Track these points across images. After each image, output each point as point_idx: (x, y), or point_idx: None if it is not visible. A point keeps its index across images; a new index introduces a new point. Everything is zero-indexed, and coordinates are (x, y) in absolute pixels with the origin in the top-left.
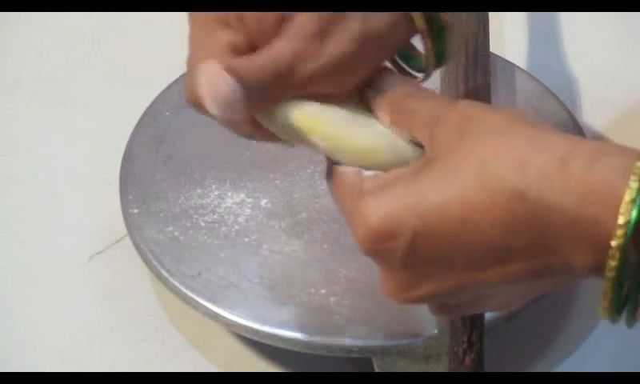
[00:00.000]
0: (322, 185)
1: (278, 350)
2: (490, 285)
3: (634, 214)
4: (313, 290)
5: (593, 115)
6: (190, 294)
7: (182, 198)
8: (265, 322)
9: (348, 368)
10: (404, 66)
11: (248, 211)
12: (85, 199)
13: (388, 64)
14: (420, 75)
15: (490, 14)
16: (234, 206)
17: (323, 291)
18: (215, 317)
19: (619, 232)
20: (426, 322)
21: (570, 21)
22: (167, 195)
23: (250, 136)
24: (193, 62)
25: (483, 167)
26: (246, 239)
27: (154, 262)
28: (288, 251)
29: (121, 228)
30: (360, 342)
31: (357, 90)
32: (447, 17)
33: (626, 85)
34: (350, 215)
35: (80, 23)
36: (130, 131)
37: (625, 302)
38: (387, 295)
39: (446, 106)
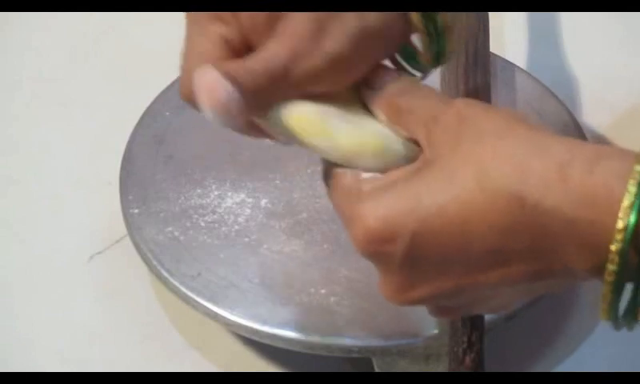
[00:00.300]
0: (322, 185)
1: (277, 349)
2: (488, 287)
3: (633, 218)
4: (313, 290)
5: (593, 115)
6: (190, 293)
7: (182, 197)
8: (265, 322)
9: (348, 368)
10: (405, 64)
11: (248, 211)
12: (85, 199)
13: (387, 62)
14: (419, 74)
15: (490, 13)
16: (233, 206)
17: (323, 291)
18: (215, 317)
19: (618, 236)
20: (426, 322)
21: (569, 21)
22: (167, 195)
23: (246, 134)
24: (186, 57)
25: (482, 171)
26: (246, 239)
27: (154, 262)
28: (288, 251)
29: (121, 228)
30: (360, 342)
31: (354, 87)
32: (447, 17)
33: (626, 85)
34: (347, 217)
35: (80, 23)
36: (130, 131)
37: (626, 305)
38: (385, 297)
39: (443, 105)
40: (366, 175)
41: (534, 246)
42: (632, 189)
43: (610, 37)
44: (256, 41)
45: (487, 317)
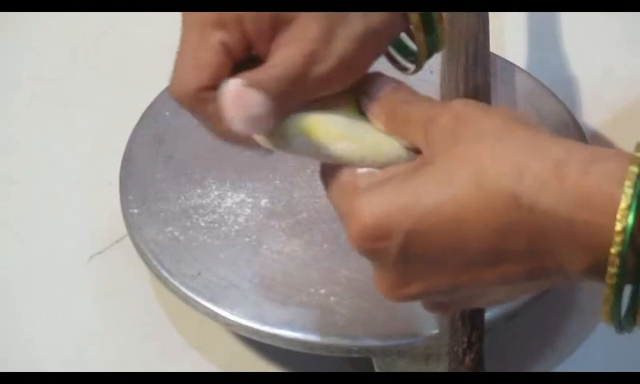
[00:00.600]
0: (322, 185)
1: (278, 349)
2: (483, 285)
3: (631, 220)
4: (313, 290)
5: (592, 115)
6: (190, 294)
7: (182, 197)
8: (265, 322)
9: (348, 368)
10: (397, 56)
11: (248, 211)
12: (85, 199)
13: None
14: (412, 67)
15: (490, 13)
16: (233, 206)
17: (323, 291)
18: (215, 317)
19: (617, 239)
20: (426, 322)
21: (569, 21)
22: (167, 195)
23: (234, 141)
24: (183, 61)
25: (479, 170)
26: (246, 239)
27: (154, 262)
28: (288, 251)
29: (121, 228)
30: (360, 342)
31: (352, 96)
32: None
33: (625, 84)
34: (343, 213)
35: (80, 23)
36: (130, 131)
37: (626, 307)
38: (380, 292)
39: (439, 107)
40: (362, 170)
41: (530, 245)
42: (629, 190)
43: (609, 37)
44: (259, 47)
45: (487, 317)
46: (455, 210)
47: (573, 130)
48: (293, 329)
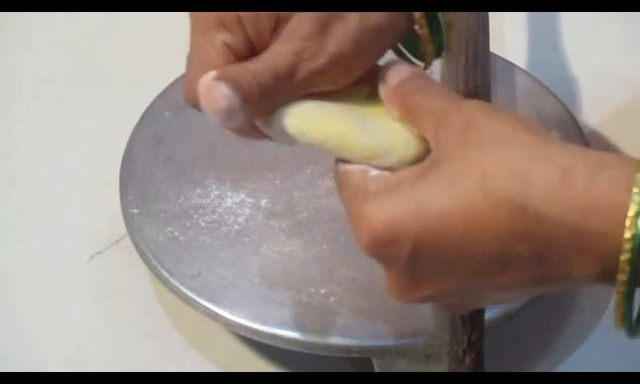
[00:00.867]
0: (322, 185)
1: (277, 349)
2: (491, 290)
3: None
4: (313, 290)
5: (592, 114)
6: (190, 294)
7: (182, 197)
8: (265, 322)
9: (348, 368)
10: (407, 54)
11: (248, 211)
12: (85, 199)
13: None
14: (421, 64)
15: (490, 13)
16: (233, 206)
17: (323, 291)
18: (215, 317)
19: (627, 246)
20: (426, 322)
21: (569, 21)
22: (167, 195)
23: (248, 136)
24: (190, 64)
25: (485, 178)
26: (246, 239)
27: (154, 262)
28: (288, 251)
29: (121, 228)
30: (360, 342)
31: (362, 82)
32: (448, 14)
33: (626, 84)
34: (353, 216)
35: (80, 23)
36: (130, 131)
37: (638, 312)
38: (391, 296)
39: (453, 107)
40: (373, 173)
41: (537, 253)
42: (637, 197)
43: (609, 37)
44: (260, 46)
45: (487, 317)
46: (462, 217)
47: (572, 129)
48: (293, 329)
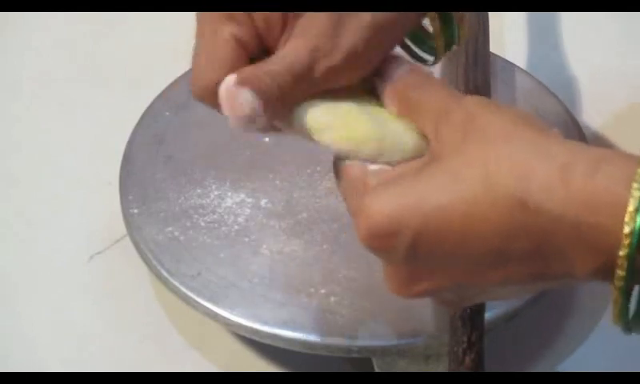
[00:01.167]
0: (322, 185)
1: (277, 349)
2: (490, 285)
3: (639, 222)
4: (313, 290)
5: (592, 115)
6: (190, 294)
7: (182, 198)
8: (265, 322)
9: (348, 368)
10: (415, 49)
11: (248, 211)
12: (85, 199)
13: (398, 49)
14: (430, 58)
15: (490, 13)
16: (233, 206)
17: (323, 291)
18: (215, 317)
19: (626, 241)
20: (426, 322)
21: (569, 21)
22: (167, 195)
23: (265, 133)
24: (198, 57)
25: (486, 173)
26: (246, 239)
27: (154, 262)
28: (288, 251)
29: (121, 228)
30: (360, 342)
31: (365, 78)
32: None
33: (626, 84)
34: (353, 210)
35: (80, 23)
36: (130, 131)
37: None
38: (390, 289)
39: (453, 102)
40: (373, 167)
41: (536, 248)
42: (636, 193)
43: (609, 37)
44: (270, 40)
45: (487, 317)
46: (462, 212)
47: (572, 129)
48: (293, 329)
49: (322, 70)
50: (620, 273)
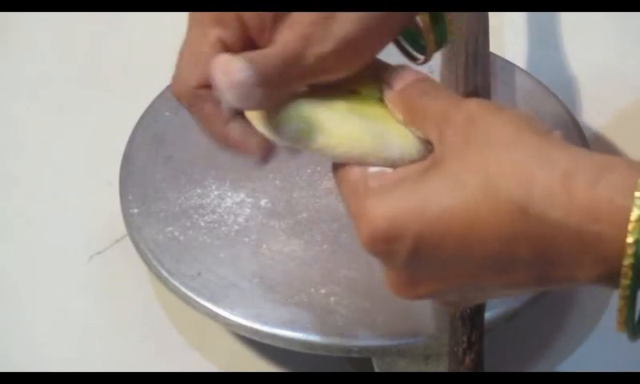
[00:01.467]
0: (322, 185)
1: (277, 349)
2: (491, 289)
3: None
4: (313, 290)
5: (592, 115)
6: (190, 294)
7: (182, 198)
8: (265, 322)
9: (348, 368)
10: (407, 46)
11: (248, 211)
12: (85, 199)
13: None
14: (421, 57)
15: (490, 13)
16: (233, 206)
17: (323, 291)
18: (215, 317)
19: (629, 251)
20: (426, 322)
21: (569, 21)
22: (167, 195)
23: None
24: (182, 58)
25: (487, 179)
26: (246, 239)
27: (154, 262)
28: (288, 251)
29: (121, 228)
30: (360, 342)
31: (371, 84)
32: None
33: (626, 85)
34: (353, 212)
35: (80, 23)
36: (130, 131)
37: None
38: (391, 292)
39: (454, 105)
40: (373, 170)
41: (538, 255)
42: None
43: (609, 37)
44: (261, 41)
45: (487, 317)
46: (463, 217)
47: (573, 130)
48: (293, 329)
49: (313, 56)
50: (624, 282)
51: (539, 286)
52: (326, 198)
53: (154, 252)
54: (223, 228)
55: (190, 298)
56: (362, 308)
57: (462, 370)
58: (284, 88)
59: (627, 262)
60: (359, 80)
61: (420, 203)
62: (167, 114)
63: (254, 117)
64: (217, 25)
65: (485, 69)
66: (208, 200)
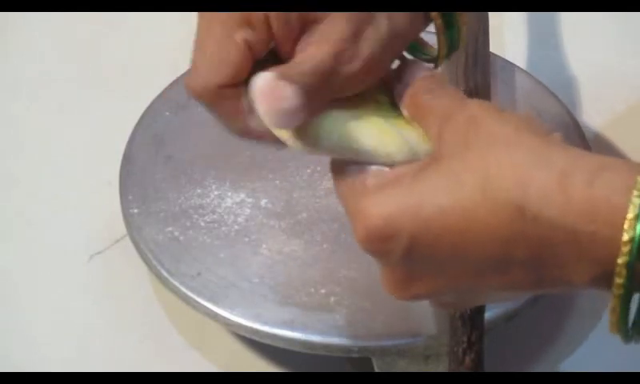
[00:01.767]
0: (322, 185)
1: (277, 349)
2: (487, 290)
3: (638, 229)
4: (313, 290)
5: (592, 115)
6: (189, 294)
7: (182, 198)
8: (265, 322)
9: (348, 368)
10: (411, 58)
11: (248, 211)
12: (85, 199)
13: None
14: (430, 66)
15: (490, 13)
16: (233, 206)
17: (323, 291)
18: (215, 317)
19: (625, 249)
20: (426, 321)
21: (569, 21)
22: (167, 195)
23: (252, 139)
24: (205, 57)
25: (485, 179)
26: (246, 239)
27: (154, 262)
28: (288, 251)
29: (121, 228)
30: (360, 342)
31: (381, 91)
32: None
33: (626, 85)
34: (350, 211)
35: (80, 23)
36: (130, 131)
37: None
38: (386, 291)
39: (457, 105)
40: (372, 168)
41: (534, 256)
42: (636, 200)
43: (609, 37)
44: (285, 46)
45: (487, 317)
46: (460, 217)
47: (573, 130)
48: (293, 329)
49: (343, 75)
50: (619, 281)
51: (535, 289)
52: (326, 198)
53: (154, 252)
54: (223, 228)
55: (190, 298)
56: (361, 308)
57: (462, 369)
58: (318, 104)
59: (622, 260)
60: (373, 87)
61: (417, 202)
62: (167, 113)
63: (284, 132)
64: (244, 26)
65: (485, 69)
66: (208, 200)
